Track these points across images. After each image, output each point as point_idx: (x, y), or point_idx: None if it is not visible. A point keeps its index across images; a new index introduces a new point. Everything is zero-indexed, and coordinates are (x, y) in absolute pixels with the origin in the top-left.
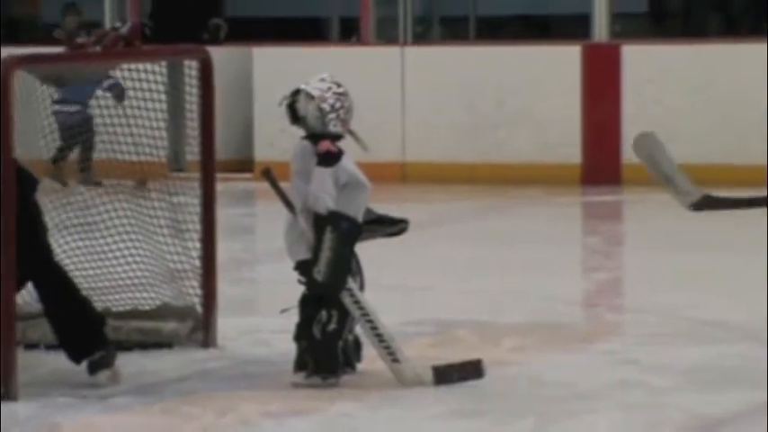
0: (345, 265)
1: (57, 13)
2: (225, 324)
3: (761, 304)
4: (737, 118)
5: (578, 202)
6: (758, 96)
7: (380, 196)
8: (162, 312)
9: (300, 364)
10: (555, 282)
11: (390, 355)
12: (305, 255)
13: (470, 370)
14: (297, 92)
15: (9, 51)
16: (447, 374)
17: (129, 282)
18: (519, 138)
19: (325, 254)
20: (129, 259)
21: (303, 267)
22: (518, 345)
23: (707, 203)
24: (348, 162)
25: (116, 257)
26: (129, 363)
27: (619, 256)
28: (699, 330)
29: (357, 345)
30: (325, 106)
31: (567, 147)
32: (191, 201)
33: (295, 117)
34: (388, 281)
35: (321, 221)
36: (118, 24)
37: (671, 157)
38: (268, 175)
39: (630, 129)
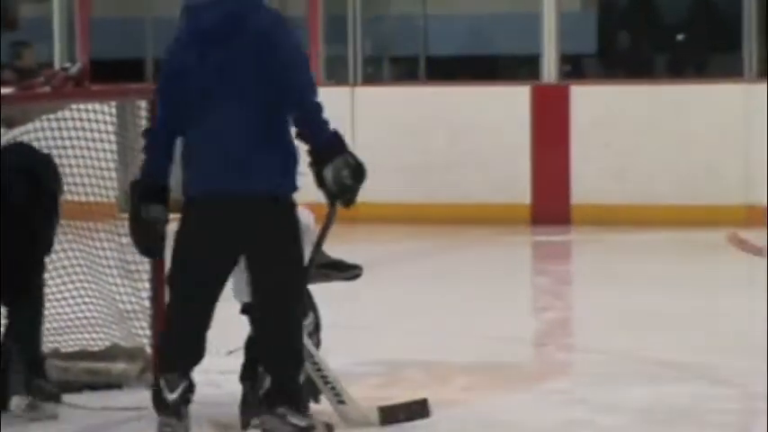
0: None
1: (5, 54)
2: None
3: (710, 343)
4: (685, 158)
5: (528, 242)
6: (706, 137)
7: (330, 236)
8: (111, 353)
9: (245, 405)
10: (504, 321)
11: (336, 396)
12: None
13: (416, 410)
14: None
15: None
16: (393, 414)
17: (77, 322)
18: (469, 178)
19: None
20: (78, 300)
21: (249, 309)
22: (467, 384)
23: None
24: None
25: (64, 298)
26: (77, 403)
27: (568, 296)
28: (648, 370)
29: (312, 385)
30: None
31: (517, 187)
32: None
33: None
34: (336, 321)
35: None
36: (67, 65)
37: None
38: None
39: (579, 169)
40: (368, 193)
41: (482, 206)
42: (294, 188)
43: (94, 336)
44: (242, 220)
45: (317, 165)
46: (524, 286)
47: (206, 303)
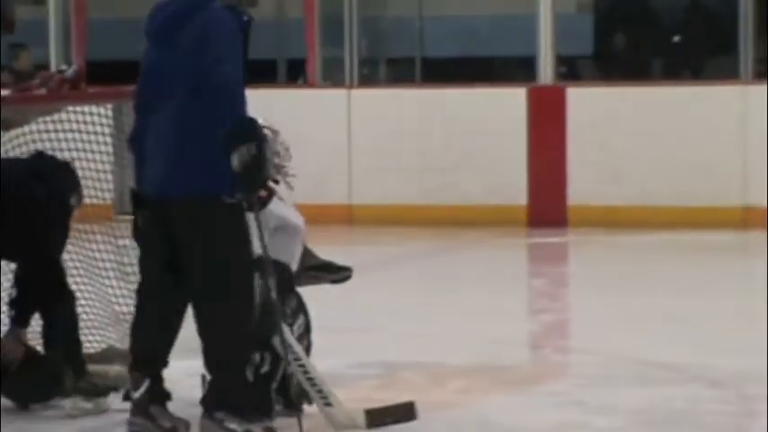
0: (276, 311)
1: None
2: (170, 366)
3: (706, 345)
4: (682, 160)
5: (524, 244)
6: (702, 138)
7: (327, 239)
8: (107, 355)
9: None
10: (501, 323)
11: (323, 398)
12: None
13: (403, 412)
14: None
15: None
16: (380, 417)
17: None
18: (465, 180)
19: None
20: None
21: None
22: (464, 387)
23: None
24: (278, 206)
25: None
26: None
27: (564, 298)
28: (644, 372)
29: (303, 388)
30: None
31: (513, 189)
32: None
33: None
34: (333, 323)
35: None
36: (63, 67)
37: None
38: None
39: (575, 171)
40: (364, 195)
41: (478, 208)
42: (219, 187)
43: (90, 338)
44: (165, 220)
45: (223, 154)
46: (521, 288)
47: (160, 303)
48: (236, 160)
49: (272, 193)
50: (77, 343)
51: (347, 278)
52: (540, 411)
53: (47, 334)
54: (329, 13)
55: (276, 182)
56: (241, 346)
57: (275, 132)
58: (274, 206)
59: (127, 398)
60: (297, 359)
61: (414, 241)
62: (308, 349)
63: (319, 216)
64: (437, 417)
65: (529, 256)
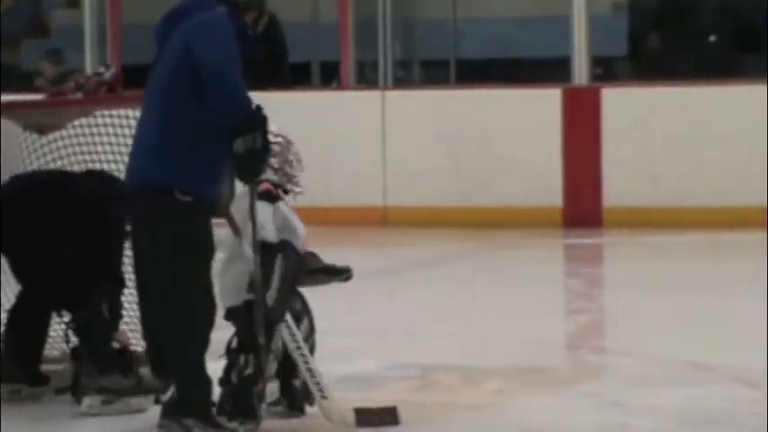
0: (290, 294)
1: (37, 62)
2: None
3: (743, 345)
4: (718, 160)
5: (560, 245)
6: (739, 138)
7: (361, 240)
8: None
9: (221, 408)
10: (537, 324)
11: (320, 391)
12: (234, 301)
13: (387, 416)
14: None
15: None
16: (367, 418)
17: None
18: (500, 181)
19: (276, 281)
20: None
21: (233, 314)
22: (500, 388)
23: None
24: (284, 208)
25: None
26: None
27: (600, 299)
28: (682, 372)
29: (306, 389)
30: None
31: (548, 190)
32: None
33: None
34: (369, 325)
35: (270, 249)
36: (101, 69)
37: None
38: None
39: (611, 171)
40: (399, 196)
41: (514, 209)
42: (176, 182)
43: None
44: (128, 212)
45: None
46: (557, 289)
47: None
48: (242, 145)
49: (278, 195)
50: (102, 341)
51: (348, 278)
52: (577, 412)
53: (84, 327)
54: (363, 15)
55: (286, 192)
56: (185, 346)
57: (289, 142)
58: (282, 205)
59: (157, 401)
60: (299, 347)
61: (448, 243)
62: (311, 349)
63: (354, 218)
64: (473, 418)
65: (564, 257)
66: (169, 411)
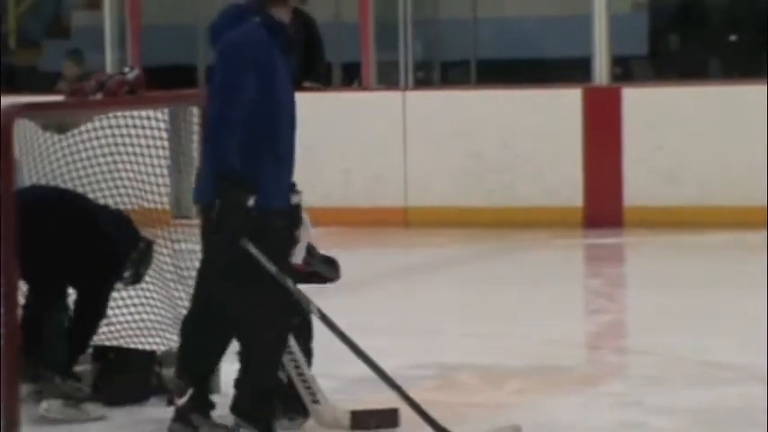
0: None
1: (57, 62)
2: (229, 370)
3: (763, 345)
4: (738, 159)
5: (580, 245)
6: (759, 137)
7: (383, 241)
8: (167, 359)
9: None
10: (557, 324)
11: (311, 395)
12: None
13: (387, 418)
14: None
15: (9, 100)
16: (364, 420)
17: (134, 325)
18: (521, 181)
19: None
20: (137, 301)
21: None
22: (521, 388)
23: None
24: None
25: (125, 302)
26: (133, 408)
27: (621, 298)
28: (702, 371)
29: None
30: None
31: (569, 190)
32: (194, 247)
33: None
34: (390, 324)
35: None
36: (126, 69)
37: None
38: None
39: (632, 171)
40: (420, 197)
41: (534, 209)
42: (204, 197)
43: (150, 340)
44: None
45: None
46: (577, 289)
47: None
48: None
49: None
50: (67, 344)
51: (334, 280)
52: (597, 412)
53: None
54: (384, 16)
55: None
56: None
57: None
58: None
59: (171, 403)
60: (290, 352)
61: (469, 243)
62: (309, 355)
63: (375, 218)
64: (494, 418)
65: (585, 257)
66: (182, 416)
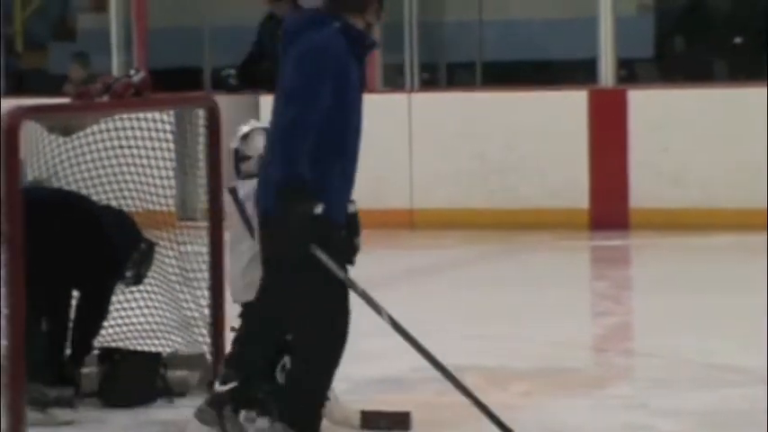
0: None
1: (63, 65)
2: None
3: None
4: (745, 162)
5: (586, 247)
6: (764, 140)
7: (388, 243)
8: (172, 361)
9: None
10: (564, 326)
11: None
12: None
13: (399, 421)
14: (245, 135)
15: (15, 102)
16: (374, 421)
17: (139, 327)
18: (526, 183)
19: None
20: (142, 303)
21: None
22: (527, 390)
23: None
24: None
25: (130, 304)
26: (139, 410)
27: (627, 301)
28: (708, 374)
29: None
30: None
31: (575, 192)
32: (199, 249)
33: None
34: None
35: None
36: (132, 72)
37: None
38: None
39: (637, 173)
40: (426, 199)
41: (540, 211)
42: (272, 210)
43: (156, 342)
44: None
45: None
46: (583, 291)
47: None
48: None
49: None
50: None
51: None
52: (603, 414)
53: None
54: (389, 18)
55: None
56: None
57: None
58: None
59: (210, 385)
60: None
61: (475, 245)
62: None
63: (381, 220)
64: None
65: (591, 259)
66: (216, 403)
